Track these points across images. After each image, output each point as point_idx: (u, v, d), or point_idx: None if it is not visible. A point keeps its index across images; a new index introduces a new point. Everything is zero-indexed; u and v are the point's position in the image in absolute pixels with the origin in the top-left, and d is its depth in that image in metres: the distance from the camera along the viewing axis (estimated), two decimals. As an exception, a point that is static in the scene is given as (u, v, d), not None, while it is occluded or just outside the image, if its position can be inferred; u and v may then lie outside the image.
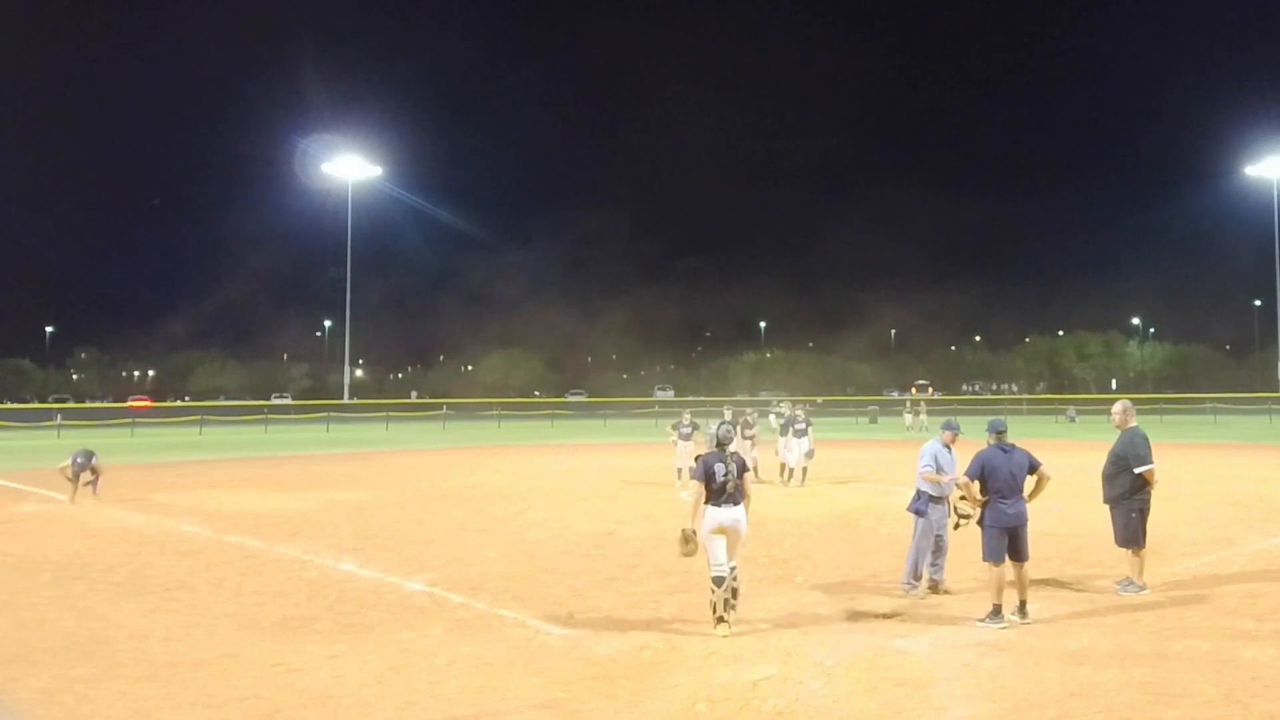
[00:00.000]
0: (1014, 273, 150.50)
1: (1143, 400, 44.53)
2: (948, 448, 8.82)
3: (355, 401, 65.70)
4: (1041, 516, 9.64)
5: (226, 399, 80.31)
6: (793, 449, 18.41)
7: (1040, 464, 7.86)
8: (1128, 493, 8.51)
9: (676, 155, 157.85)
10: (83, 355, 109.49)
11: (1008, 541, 7.60)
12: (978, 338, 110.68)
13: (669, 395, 78.91)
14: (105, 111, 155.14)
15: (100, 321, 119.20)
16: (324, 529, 13.11)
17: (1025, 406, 63.37)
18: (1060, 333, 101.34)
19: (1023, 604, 7.62)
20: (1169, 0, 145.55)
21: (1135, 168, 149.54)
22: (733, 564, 7.35)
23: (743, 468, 7.44)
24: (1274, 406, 51.63)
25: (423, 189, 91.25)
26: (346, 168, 61.70)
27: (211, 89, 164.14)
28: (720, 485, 7.28)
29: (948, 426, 9.04)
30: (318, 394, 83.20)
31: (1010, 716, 5.54)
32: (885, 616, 7.83)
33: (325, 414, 53.50)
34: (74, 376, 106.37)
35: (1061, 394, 77.90)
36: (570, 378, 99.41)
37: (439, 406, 59.73)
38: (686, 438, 18.30)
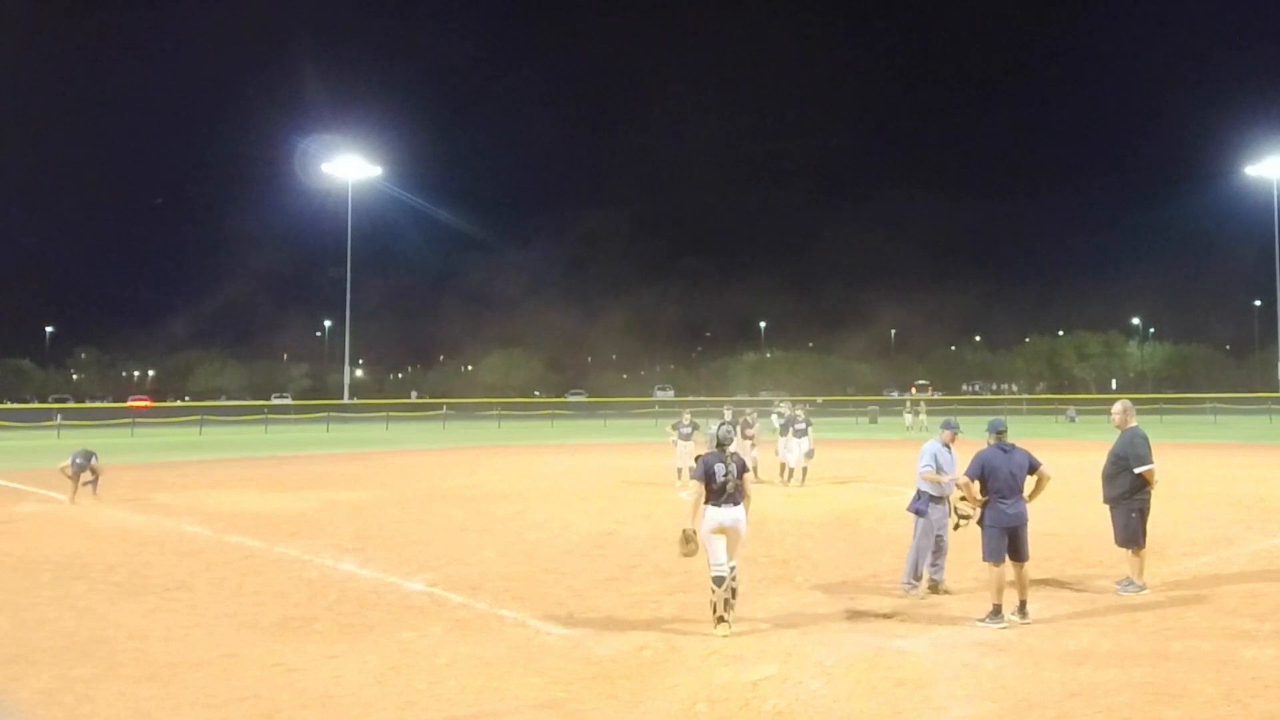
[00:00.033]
0: (1014, 273, 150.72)
1: (1143, 400, 44.53)
2: (947, 447, 8.82)
3: (355, 401, 65.71)
4: (1041, 516, 9.64)
5: (227, 399, 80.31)
6: (793, 449, 18.41)
7: (1040, 464, 7.86)
8: (1128, 493, 8.51)
9: (676, 155, 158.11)
10: (83, 355, 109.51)
11: (1008, 541, 7.60)
12: (978, 338, 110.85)
13: (669, 395, 78.91)
14: (105, 111, 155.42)
15: (100, 321, 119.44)
16: (324, 529, 13.11)
17: (1025, 406, 63.36)
18: (1060, 333, 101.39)
19: (1023, 604, 7.62)
20: (1169, 0, 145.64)
21: (1135, 168, 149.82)
22: (732, 564, 7.36)
23: (742, 468, 7.45)
24: (1274, 406, 51.63)
25: (423, 189, 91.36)
26: (346, 168, 61.69)
27: (211, 89, 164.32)
28: (720, 485, 7.29)
29: (947, 426, 9.05)
30: (318, 394, 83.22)
31: (1010, 716, 5.54)
32: (885, 616, 7.83)
33: (325, 414, 53.50)
34: (74, 376, 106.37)
35: (1061, 394, 77.91)
36: (570, 378, 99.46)
37: (439, 406, 59.75)
38: (686, 438, 18.31)
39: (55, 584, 9.51)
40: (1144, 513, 8.53)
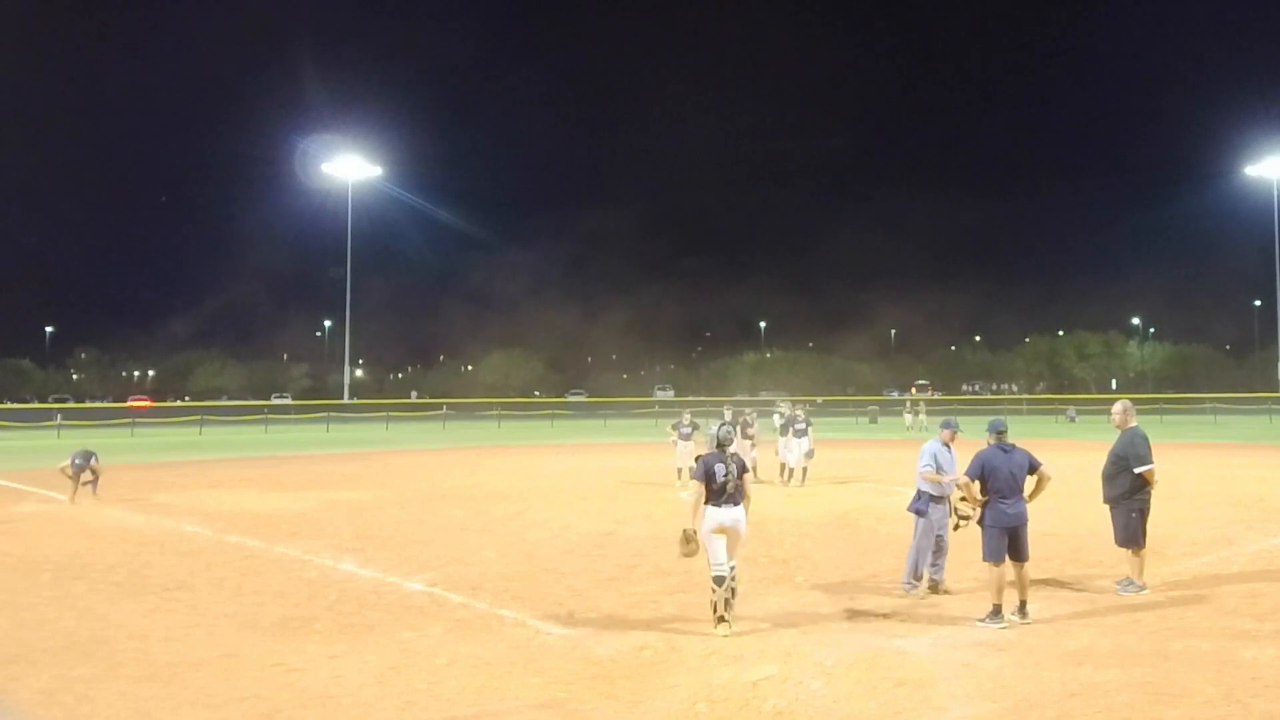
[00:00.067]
0: (1014, 273, 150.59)
1: (1143, 400, 44.53)
2: (947, 446, 8.83)
3: (355, 401, 65.72)
4: (1041, 516, 9.64)
5: (227, 399, 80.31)
6: (793, 449, 18.41)
7: (1040, 464, 7.86)
8: (1128, 493, 8.51)
9: (677, 155, 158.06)
10: (83, 355, 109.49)
11: (1008, 541, 7.60)
12: (978, 338, 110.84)
13: (669, 395, 78.91)
14: (105, 111, 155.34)
15: (100, 321, 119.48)
16: (324, 529, 13.11)
17: (1025, 406, 63.37)
18: (1060, 333, 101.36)
19: (1023, 604, 7.62)
20: (1169, 0, 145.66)
21: (1135, 168, 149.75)
22: (732, 564, 7.37)
23: (742, 469, 7.47)
24: (1274, 406, 51.64)
25: (423, 189, 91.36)
26: (346, 168, 61.72)
27: (211, 89, 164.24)
28: (720, 486, 7.31)
29: (946, 425, 9.05)
30: (318, 394, 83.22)
31: (1010, 716, 5.54)
32: (885, 616, 7.83)
33: (325, 414, 53.51)
34: (74, 376, 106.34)
35: (1061, 394, 77.92)
36: (570, 378, 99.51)
37: (439, 406, 59.76)
38: (686, 438, 18.32)
39: (55, 584, 9.51)
40: (1144, 513, 8.53)
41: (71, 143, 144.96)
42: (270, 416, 52.81)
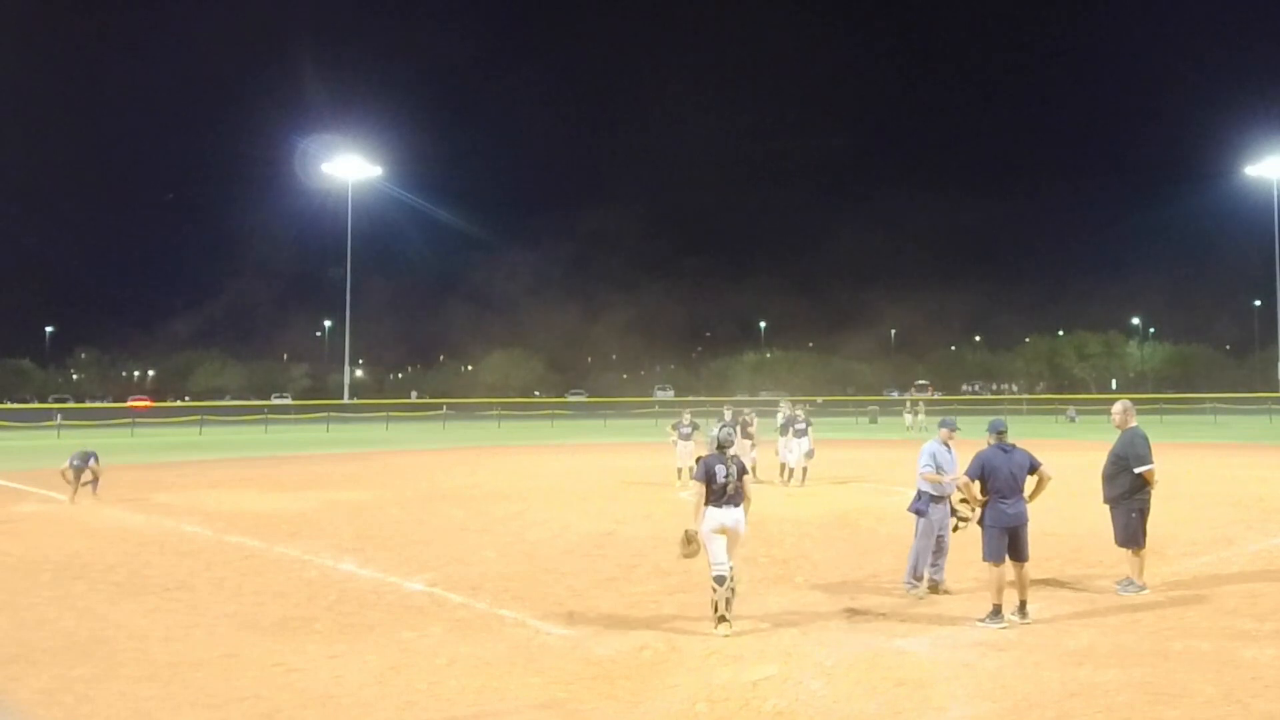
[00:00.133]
0: (1014, 273, 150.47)
1: (1143, 400, 44.52)
2: (946, 446, 8.83)
3: (355, 401, 65.71)
4: (1041, 516, 9.64)
5: (227, 399, 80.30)
6: (793, 449, 18.42)
7: (1041, 464, 7.86)
8: (1128, 493, 8.51)
9: (677, 155, 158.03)
10: (83, 355, 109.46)
11: (1008, 541, 7.60)
12: (978, 338, 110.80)
13: (669, 395, 78.88)
14: (105, 111, 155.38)
15: (100, 321, 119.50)
16: (324, 529, 13.11)
17: (1025, 406, 63.36)
18: (1060, 333, 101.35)
19: (1023, 604, 7.62)
20: (1169, 0, 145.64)
21: (1135, 168, 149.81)
22: (730, 564, 7.37)
23: (742, 470, 7.51)
24: (1274, 406, 51.62)
25: (423, 189, 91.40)
26: (346, 168, 61.71)
27: (211, 89, 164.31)
28: (721, 486, 7.35)
29: (944, 424, 9.05)
30: (318, 394, 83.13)
31: (1010, 716, 5.54)
32: (885, 616, 7.83)
33: (325, 414, 53.48)
34: (74, 376, 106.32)
35: (1061, 394, 77.89)
36: (570, 378, 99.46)
37: (439, 406, 59.74)
38: (686, 438, 18.32)
39: (55, 584, 9.51)
40: (1144, 513, 8.53)
41: (71, 143, 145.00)
42: (270, 416, 52.79)
